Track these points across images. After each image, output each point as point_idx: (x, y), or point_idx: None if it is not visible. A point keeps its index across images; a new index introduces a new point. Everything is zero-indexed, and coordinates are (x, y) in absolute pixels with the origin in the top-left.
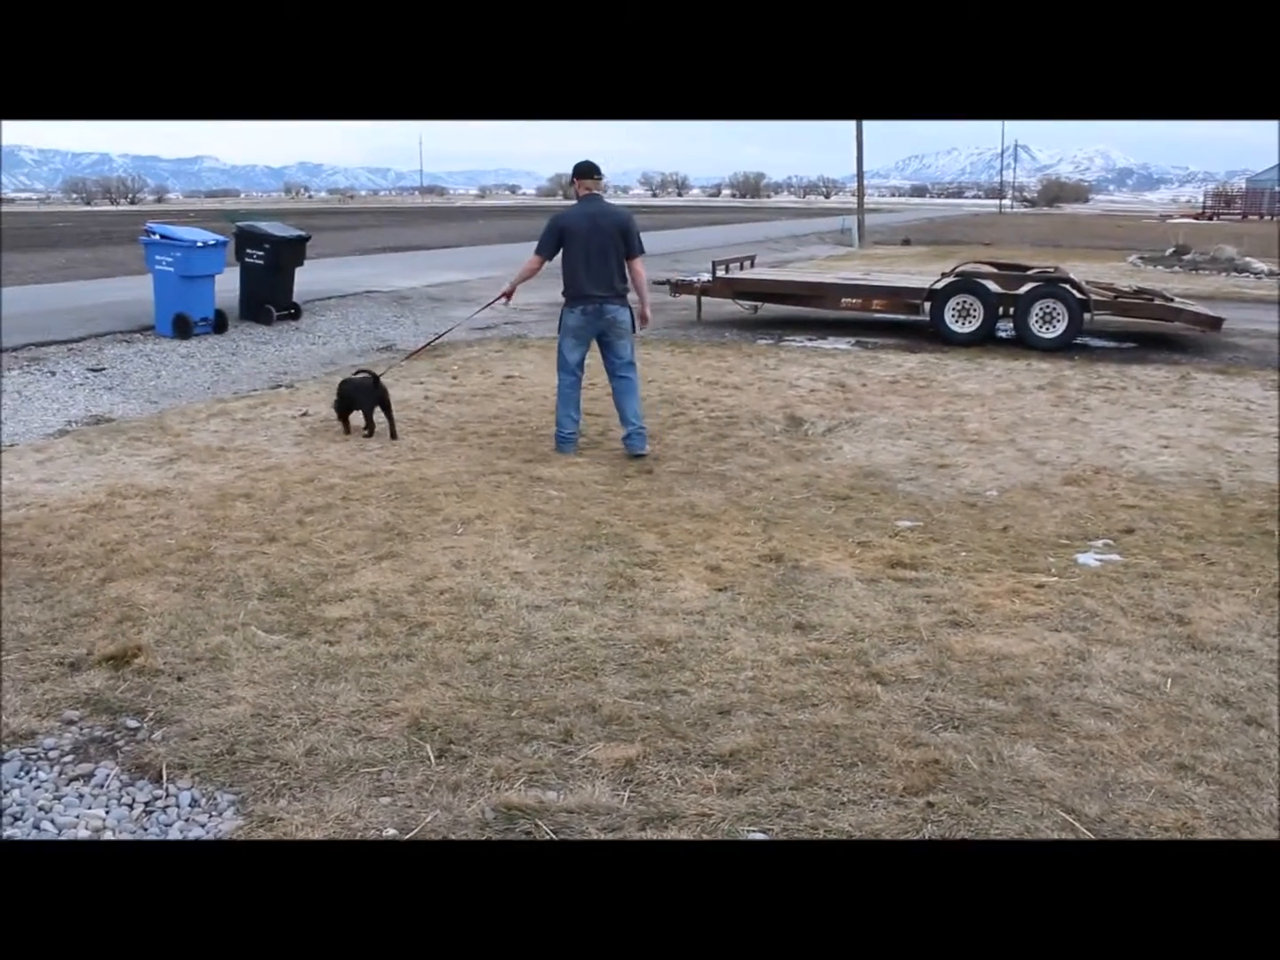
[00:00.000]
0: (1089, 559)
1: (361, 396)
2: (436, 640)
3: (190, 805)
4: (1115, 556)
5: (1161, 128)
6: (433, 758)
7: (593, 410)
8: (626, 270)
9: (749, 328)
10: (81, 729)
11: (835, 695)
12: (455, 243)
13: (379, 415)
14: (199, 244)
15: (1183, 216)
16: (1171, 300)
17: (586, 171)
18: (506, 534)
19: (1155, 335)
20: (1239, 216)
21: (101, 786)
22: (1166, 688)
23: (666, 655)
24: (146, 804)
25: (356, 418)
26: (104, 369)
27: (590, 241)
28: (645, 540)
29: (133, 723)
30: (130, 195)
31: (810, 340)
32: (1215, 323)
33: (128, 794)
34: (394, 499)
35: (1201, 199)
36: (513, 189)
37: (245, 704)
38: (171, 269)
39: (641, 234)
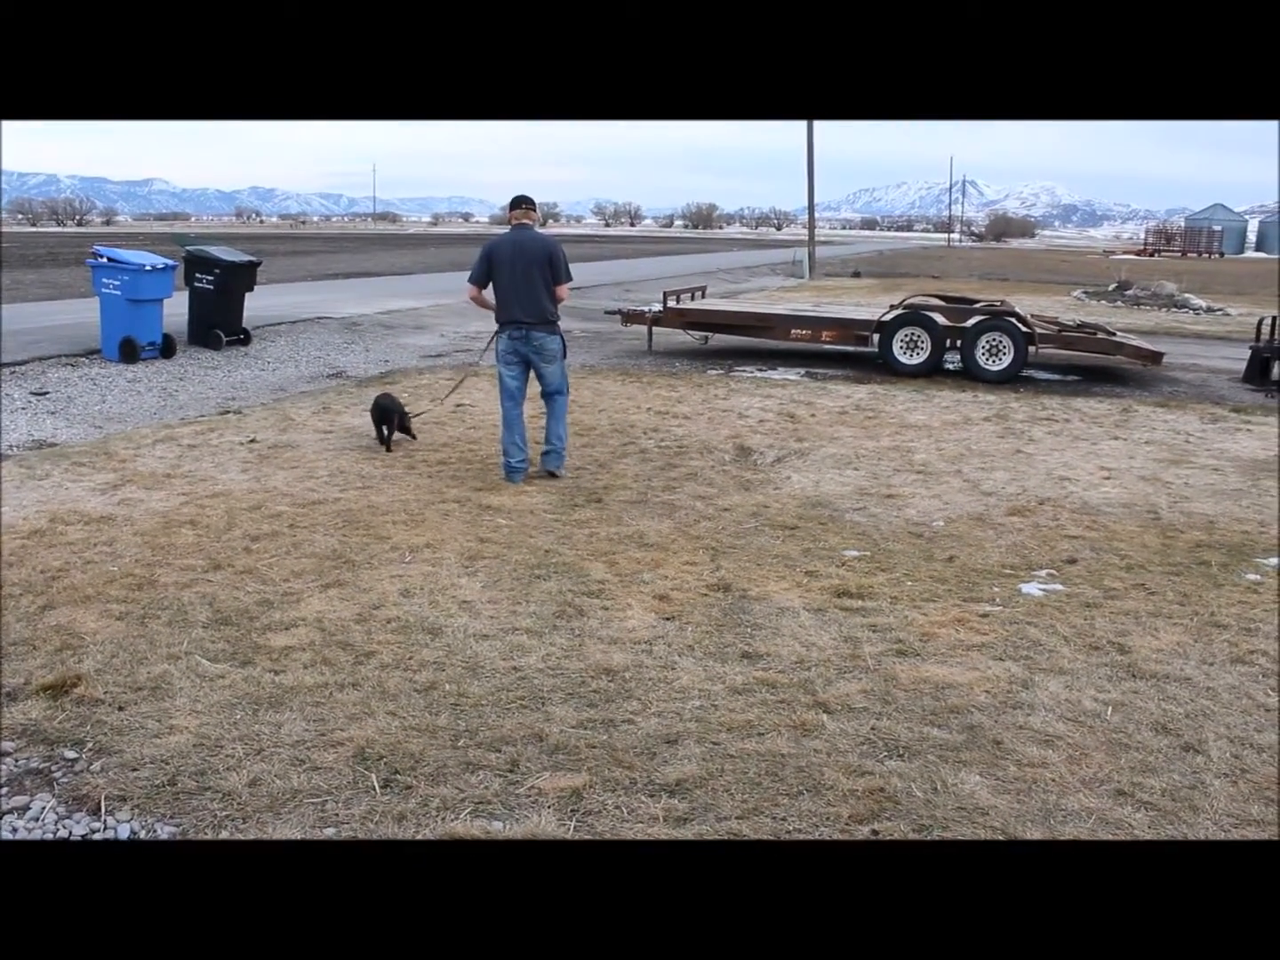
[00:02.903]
0: (1033, 589)
1: (391, 412)
2: (383, 669)
3: (129, 838)
4: (1058, 586)
5: (1104, 166)
6: (378, 788)
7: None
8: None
9: (699, 358)
10: (17, 760)
11: (782, 724)
12: (407, 269)
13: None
14: (147, 267)
15: (1125, 253)
16: (1114, 334)
17: (517, 203)
18: (455, 562)
19: (1098, 368)
20: (1179, 253)
21: (37, 819)
22: (1107, 715)
23: (614, 684)
24: (84, 837)
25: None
26: (47, 393)
27: (516, 268)
28: (594, 569)
29: (71, 753)
30: (78, 217)
31: (760, 371)
32: (1156, 357)
33: (64, 826)
34: (342, 527)
35: (1143, 236)
36: (465, 216)
37: (188, 734)
38: (119, 292)
39: (593, 263)
